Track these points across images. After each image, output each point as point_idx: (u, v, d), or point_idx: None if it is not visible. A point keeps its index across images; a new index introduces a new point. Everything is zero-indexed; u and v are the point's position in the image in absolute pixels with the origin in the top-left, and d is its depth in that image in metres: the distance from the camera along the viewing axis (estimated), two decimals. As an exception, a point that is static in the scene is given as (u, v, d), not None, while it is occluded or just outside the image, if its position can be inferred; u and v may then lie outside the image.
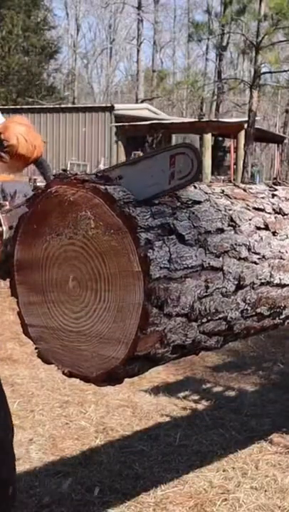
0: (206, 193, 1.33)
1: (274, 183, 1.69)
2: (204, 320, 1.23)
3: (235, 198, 1.41)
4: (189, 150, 1.17)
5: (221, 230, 1.28)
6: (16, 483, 2.00)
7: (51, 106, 24.52)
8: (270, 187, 1.62)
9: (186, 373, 4.26)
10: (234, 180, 16.05)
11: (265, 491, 2.72)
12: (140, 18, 32.34)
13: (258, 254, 1.36)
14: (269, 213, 1.46)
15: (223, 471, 2.88)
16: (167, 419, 3.48)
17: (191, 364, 4.38)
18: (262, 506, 2.59)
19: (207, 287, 1.21)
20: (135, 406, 3.64)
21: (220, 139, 21.52)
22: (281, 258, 1.44)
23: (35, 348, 1.28)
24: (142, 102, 27.19)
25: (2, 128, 1.75)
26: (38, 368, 4.07)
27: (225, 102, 30.38)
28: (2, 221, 1.50)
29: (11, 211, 1.53)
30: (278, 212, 1.50)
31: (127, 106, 23.35)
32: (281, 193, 1.59)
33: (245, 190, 1.49)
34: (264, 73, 15.92)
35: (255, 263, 1.35)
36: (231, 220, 1.32)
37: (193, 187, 1.33)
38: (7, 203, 1.56)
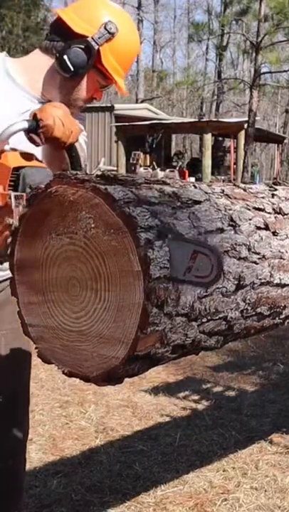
0: (206, 193, 1.33)
1: (274, 183, 1.69)
2: (204, 320, 1.23)
3: (235, 198, 1.40)
4: (214, 256, 1.14)
5: (221, 230, 1.28)
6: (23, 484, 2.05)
7: (51, 106, 24.47)
8: (270, 187, 1.62)
9: (186, 373, 4.26)
10: (234, 180, 16.06)
11: (265, 491, 2.72)
12: (140, 18, 32.31)
13: (258, 254, 1.36)
14: (269, 213, 1.46)
15: (223, 471, 2.89)
16: (167, 419, 3.49)
17: (191, 364, 4.38)
18: (262, 506, 2.59)
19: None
20: (135, 406, 3.64)
21: (220, 139, 21.50)
22: (281, 258, 1.43)
23: (36, 348, 1.27)
24: (142, 102, 27.18)
25: (38, 109, 1.66)
26: (38, 368, 4.07)
27: (225, 102, 30.38)
28: (14, 214, 1.44)
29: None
30: (278, 212, 1.50)
31: (127, 106, 23.33)
32: (281, 193, 1.58)
33: (245, 190, 1.49)
34: (264, 73, 15.92)
35: (255, 263, 1.35)
36: (231, 219, 1.32)
37: (193, 186, 1.33)
38: (24, 195, 1.45)
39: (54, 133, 1.62)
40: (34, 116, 1.63)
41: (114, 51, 1.79)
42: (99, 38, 1.75)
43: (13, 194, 1.46)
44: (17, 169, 1.57)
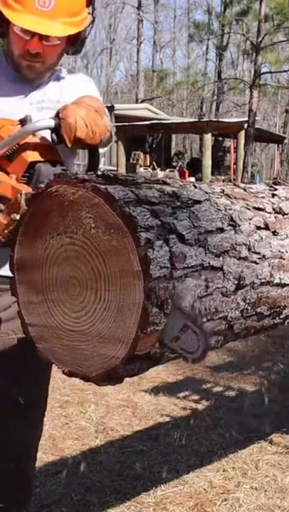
0: (206, 193, 1.33)
1: (274, 183, 1.69)
2: (204, 319, 1.23)
3: (235, 198, 1.41)
4: (203, 337, 1.13)
5: (221, 230, 1.28)
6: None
7: (51, 106, 24.45)
8: (270, 187, 1.62)
9: (186, 373, 4.26)
10: (234, 180, 16.05)
11: (265, 491, 2.72)
12: (140, 18, 32.28)
13: (258, 253, 1.36)
14: (269, 213, 1.46)
15: (223, 471, 2.88)
16: (167, 419, 3.48)
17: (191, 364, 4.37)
18: (262, 506, 2.59)
19: (207, 287, 1.21)
20: (135, 406, 3.64)
21: (220, 139, 21.48)
22: (281, 258, 1.44)
23: (35, 348, 1.28)
24: (142, 102, 27.16)
25: (62, 107, 1.60)
26: (38, 368, 4.06)
27: (225, 102, 30.34)
28: (21, 209, 1.42)
29: None
30: (278, 211, 1.50)
31: (127, 106, 23.32)
32: (281, 193, 1.59)
33: (245, 189, 1.49)
34: (264, 73, 15.91)
35: (255, 263, 1.35)
36: (231, 219, 1.32)
37: (193, 186, 1.34)
38: None
39: (77, 134, 1.56)
40: (57, 114, 1.59)
41: None
42: None
43: (23, 192, 1.46)
44: (34, 164, 1.57)
